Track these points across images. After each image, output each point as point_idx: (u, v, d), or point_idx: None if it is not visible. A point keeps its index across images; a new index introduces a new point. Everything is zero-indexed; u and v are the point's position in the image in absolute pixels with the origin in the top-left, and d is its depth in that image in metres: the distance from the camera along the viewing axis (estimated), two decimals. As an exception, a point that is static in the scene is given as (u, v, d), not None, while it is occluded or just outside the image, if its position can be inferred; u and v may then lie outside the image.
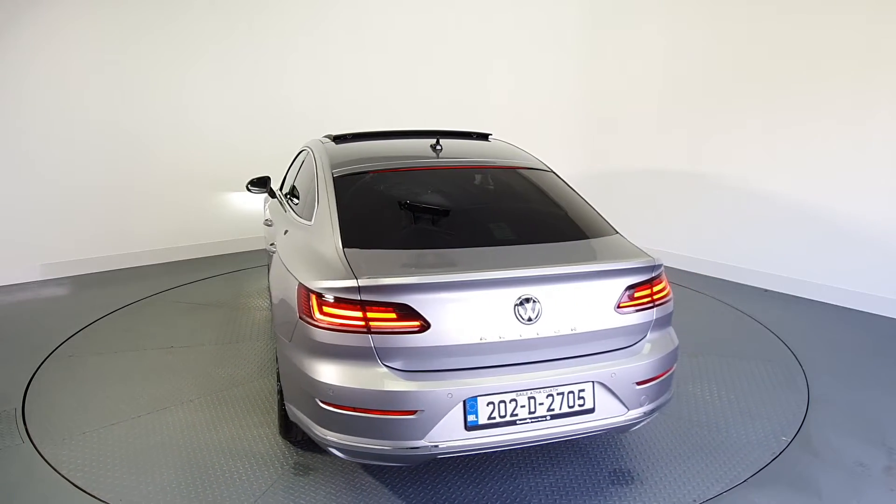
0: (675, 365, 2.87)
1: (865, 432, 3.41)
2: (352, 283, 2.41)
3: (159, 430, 3.37)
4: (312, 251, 2.83)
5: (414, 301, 2.41)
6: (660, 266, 2.81)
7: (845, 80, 5.28)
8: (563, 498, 2.83)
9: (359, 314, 2.41)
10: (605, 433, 2.76)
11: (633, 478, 2.98)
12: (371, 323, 2.41)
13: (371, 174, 3.29)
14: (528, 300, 2.51)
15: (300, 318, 2.56)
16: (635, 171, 7.06)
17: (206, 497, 2.80)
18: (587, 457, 3.15)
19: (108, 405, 3.62)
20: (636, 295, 2.71)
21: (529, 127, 7.59)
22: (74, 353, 4.36)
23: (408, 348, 2.43)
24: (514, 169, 3.56)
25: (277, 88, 7.10)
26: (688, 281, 6.20)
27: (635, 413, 2.66)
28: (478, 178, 3.56)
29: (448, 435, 2.42)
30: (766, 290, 5.91)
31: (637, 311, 2.71)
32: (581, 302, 2.61)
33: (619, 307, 2.67)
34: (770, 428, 3.40)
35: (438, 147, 3.58)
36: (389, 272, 2.49)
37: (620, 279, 2.68)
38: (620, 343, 2.70)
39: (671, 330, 2.92)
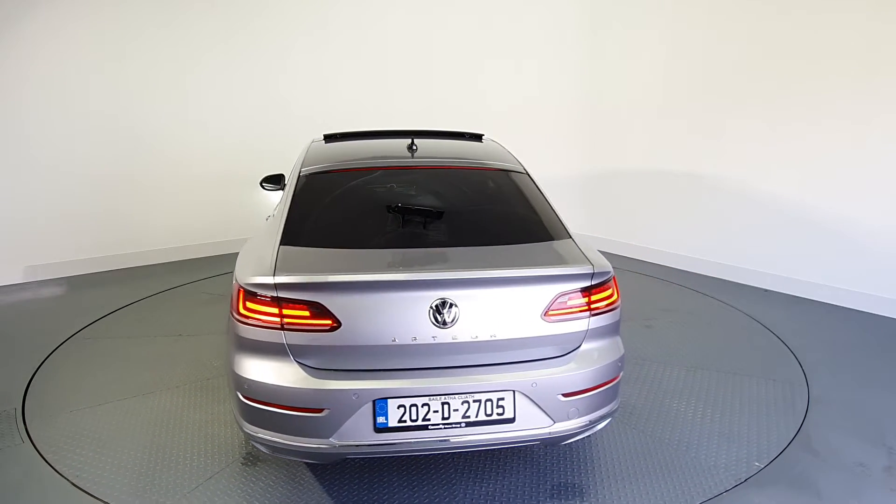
0: (618, 377, 2.74)
1: (865, 432, 3.41)
2: (268, 279, 2.44)
3: (138, 413, 3.54)
4: (257, 247, 2.85)
5: (326, 300, 2.42)
6: (603, 273, 2.67)
7: (846, 79, 5.28)
8: (496, 509, 2.76)
9: (275, 310, 2.44)
10: (542, 445, 2.75)
11: (576, 493, 2.87)
12: (285, 320, 2.44)
13: (335, 173, 3.28)
14: (444, 304, 2.45)
15: (229, 312, 2.63)
16: (635, 172, 7.06)
17: (153, 478, 2.95)
18: (534, 467, 3.05)
19: (99, 388, 3.80)
20: (569, 303, 2.59)
21: (529, 127, 7.59)
22: (92, 335, 4.64)
23: (319, 346, 2.44)
24: (483, 170, 3.44)
25: (278, 88, 7.10)
26: (688, 281, 6.20)
27: (563, 426, 2.57)
28: (444, 178, 3.46)
29: (356, 435, 2.42)
30: (766, 291, 5.91)
31: (568, 320, 2.59)
32: (503, 308, 2.53)
33: (546, 315, 2.56)
34: (745, 452, 3.19)
35: (414, 147, 3.56)
36: (308, 270, 2.50)
37: (550, 286, 2.56)
38: (549, 352, 2.60)
39: (616, 340, 2.78)
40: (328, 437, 2.42)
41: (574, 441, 2.92)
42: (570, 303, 2.60)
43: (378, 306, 2.45)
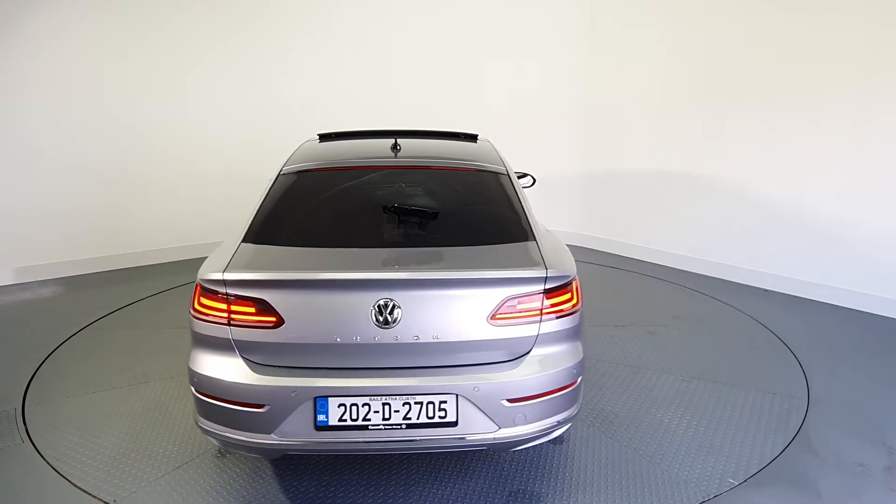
0: (574, 383, 2.66)
1: (865, 432, 3.41)
2: (218, 276, 2.50)
3: (129, 401, 3.67)
4: (225, 245, 2.91)
5: (271, 297, 2.46)
6: (559, 278, 2.58)
7: (846, 80, 5.27)
8: (449, 512, 2.75)
9: (224, 307, 2.50)
10: (491, 451, 2.71)
11: (531, 500, 2.82)
12: (232, 316, 2.49)
13: (313, 172, 3.32)
14: (387, 305, 2.45)
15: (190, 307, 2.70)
16: (635, 171, 7.06)
17: (126, 463, 3.07)
18: (496, 471, 3.02)
19: (97, 375, 3.95)
20: (518, 307, 2.53)
21: (530, 127, 7.59)
22: (92, 335, 4.70)
23: (263, 343, 2.48)
24: (461, 171, 3.41)
25: (279, 87, 7.10)
26: (688, 281, 6.20)
27: (509, 432, 2.51)
28: (420, 179, 3.47)
29: (297, 432, 2.44)
30: (766, 290, 5.91)
31: (517, 324, 2.53)
32: (447, 310, 2.50)
33: (493, 319, 2.51)
34: (721, 467, 3.06)
35: (397, 147, 3.58)
36: (258, 268, 2.55)
37: (497, 289, 2.51)
38: (496, 356, 2.54)
39: (574, 345, 2.69)
40: (270, 433, 2.45)
41: (528, 447, 2.88)
42: (519, 307, 2.53)
43: (321, 305, 2.48)
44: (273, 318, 2.46)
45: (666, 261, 6.76)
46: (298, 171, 3.31)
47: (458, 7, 7.53)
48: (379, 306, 2.45)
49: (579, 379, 2.69)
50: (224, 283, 2.50)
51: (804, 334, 4.82)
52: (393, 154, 3.52)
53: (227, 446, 2.65)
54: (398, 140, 3.70)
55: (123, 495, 2.83)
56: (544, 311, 2.56)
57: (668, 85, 6.64)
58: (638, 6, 6.80)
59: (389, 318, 2.45)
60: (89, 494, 2.81)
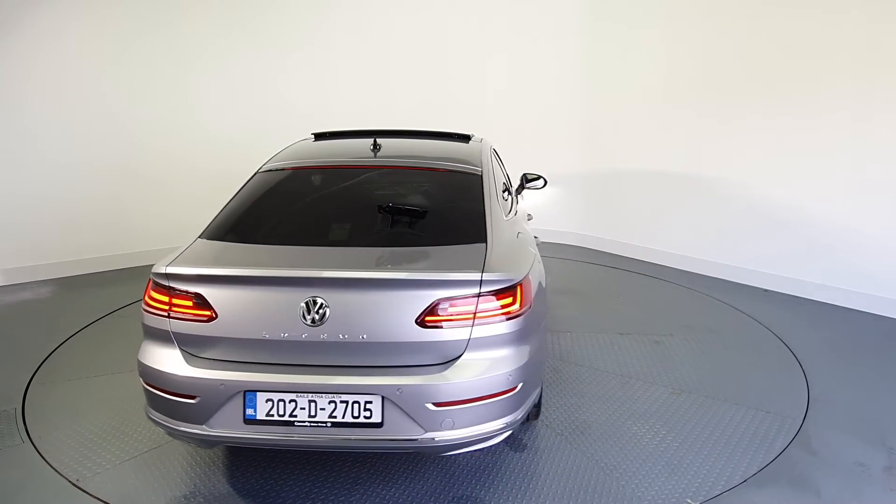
0: (511, 390, 2.57)
1: (865, 432, 3.41)
2: (162, 269, 2.60)
3: (121, 387, 3.77)
4: (189, 241, 2.98)
5: (206, 291, 2.53)
6: (497, 282, 2.52)
7: (846, 79, 5.27)
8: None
9: (166, 299, 2.59)
10: (428, 454, 2.69)
11: None
12: (172, 308, 2.58)
13: (287, 171, 3.44)
14: (315, 303, 2.46)
15: None
16: (635, 171, 7.06)
17: (99, 448, 3.18)
18: (445, 475, 2.98)
19: (97, 375, 4.00)
20: (449, 310, 2.49)
21: (529, 127, 7.60)
22: (93, 334, 4.73)
23: (197, 336, 2.54)
24: (433, 171, 3.46)
25: (279, 87, 7.10)
26: (688, 281, 6.20)
27: (436, 436, 2.46)
28: (390, 179, 3.51)
29: (227, 425, 2.49)
30: (766, 291, 5.91)
31: (447, 327, 2.49)
32: (375, 311, 2.49)
33: (422, 321, 2.48)
34: (682, 486, 2.90)
35: (377, 147, 3.64)
36: (200, 263, 2.64)
37: (427, 291, 2.48)
38: (425, 359, 2.51)
39: (516, 350, 2.60)
40: (202, 424, 2.51)
41: (468, 452, 2.87)
42: (451, 310, 2.49)
43: (252, 301, 2.53)
44: (208, 312, 2.53)
45: (666, 261, 6.76)
46: (272, 170, 3.44)
47: (459, 6, 7.53)
48: (307, 304, 2.47)
49: (519, 385, 2.60)
50: (167, 276, 2.59)
51: (804, 334, 4.82)
52: (372, 154, 3.57)
53: (172, 435, 2.71)
54: (382, 140, 3.76)
55: (87, 475, 2.95)
56: (478, 315, 2.51)
57: (668, 85, 6.64)
58: (638, 5, 6.80)
59: (317, 317, 2.46)
60: (89, 494, 2.81)
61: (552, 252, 7.17)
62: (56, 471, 2.98)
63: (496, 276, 2.52)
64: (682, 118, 6.52)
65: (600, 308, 5.38)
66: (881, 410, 3.66)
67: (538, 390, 2.97)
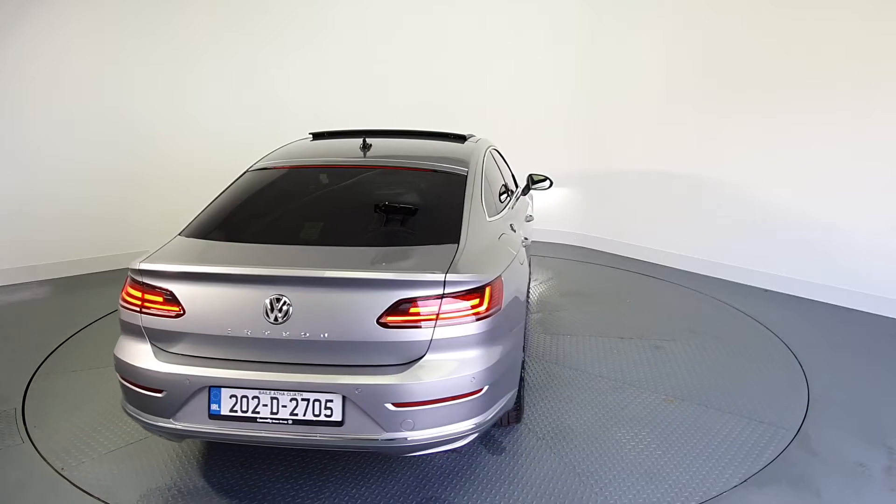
0: (476, 392, 2.55)
1: (865, 432, 3.41)
2: (136, 265, 2.66)
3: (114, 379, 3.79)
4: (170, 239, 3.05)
5: (175, 288, 2.58)
6: (461, 283, 2.49)
7: (846, 79, 5.28)
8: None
9: (139, 294, 2.66)
10: (384, 453, 2.68)
11: None
12: (144, 304, 2.64)
13: (274, 170, 3.51)
14: (278, 300, 2.48)
15: None
16: (635, 171, 7.06)
17: (89, 437, 3.27)
18: (417, 476, 2.96)
19: (97, 374, 4.00)
20: (411, 311, 2.47)
21: (529, 126, 7.59)
22: (93, 334, 4.75)
23: (166, 332, 2.59)
24: (418, 171, 3.47)
25: (278, 87, 7.11)
26: (688, 281, 6.20)
27: (396, 436, 2.46)
28: (374, 178, 3.51)
29: (193, 419, 2.53)
30: (765, 290, 5.91)
31: (408, 327, 2.47)
32: (337, 310, 2.50)
33: (383, 321, 2.46)
34: (658, 496, 2.83)
35: (367, 147, 3.67)
36: (172, 259, 2.68)
37: (389, 291, 2.47)
38: (386, 359, 2.49)
39: (482, 353, 2.58)
40: (169, 418, 2.56)
41: (428, 454, 2.86)
42: (412, 311, 2.47)
43: (218, 298, 2.56)
44: (176, 308, 2.57)
45: (665, 260, 6.76)
46: (258, 169, 3.51)
47: (459, 6, 7.53)
48: (271, 302, 2.48)
49: (485, 387, 2.58)
50: (141, 272, 2.65)
51: (804, 334, 4.82)
52: (361, 154, 3.59)
53: (145, 429, 2.75)
54: (375, 140, 3.79)
55: (73, 464, 3.05)
56: (441, 316, 2.48)
57: (669, 85, 6.64)
58: (638, 5, 6.80)
59: (280, 315, 2.47)
60: (89, 494, 2.81)
61: (553, 252, 7.19)
62: (56, 471, 2.98)
63: (461, 278, 2.51)
64: (682, 118, 6.52)
65: (605, 311, 5.33)
66: (881, 410, 3.67)
67: (512, 393, 2.91)
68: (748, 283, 6.06)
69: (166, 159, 6.57)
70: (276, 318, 2.47)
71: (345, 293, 2.50)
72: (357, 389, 2.43)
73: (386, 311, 2.46)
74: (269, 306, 2.48)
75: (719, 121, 6.20)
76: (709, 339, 4.65)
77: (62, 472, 2.96)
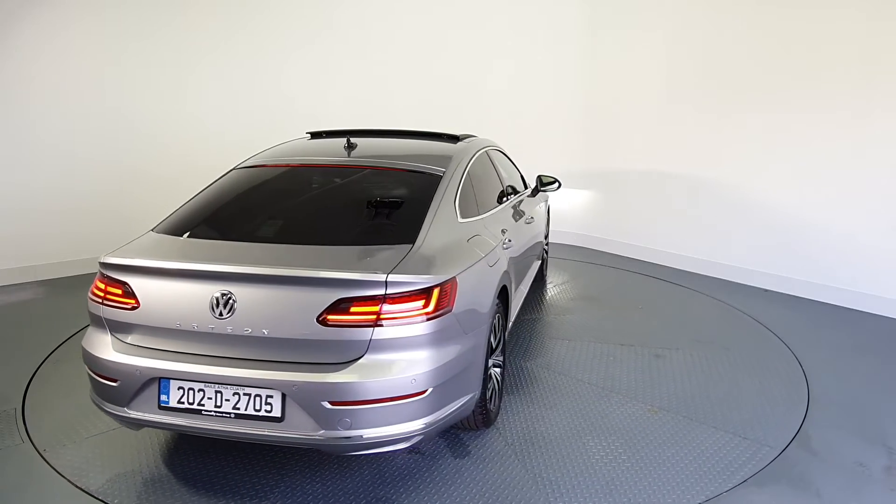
0: (418, 394, 2.53)
1: (865, 432, 3.41)
2: (101, 259, 2.77)
3: None
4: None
5: (132, 281, 2.68)
6: (404, 283, 2.49)
7: (847, 79, 5.28)
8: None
9: (103, 287, 2.77)
10: (325, 451, 2.68)
11: None
12: (106, 296, 2.74)
13: (258, 168, 3.60)
14: (224, 296, 2.53)
15: None
16: (635, 171, 7.06)
17: (76, 424, 3.37)
18: (373, 475, 2.95)
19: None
20: (352, 310, 2.47)
21: (530, 126, 7.60)
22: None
23: (123, 323, 2.70)
24: (395, 171, 3.48)
25: (279, 87, 7.11)
26: (688, 281, 6.20)
27: (333, 435, 2.46)
28: (352, 178, 3.53)
29: (144, 409, 2.63)
30: (766, 290, 5.91)
31: (348, 326, 2.47)
32: (280, 307, 2.52)
33: (323, 319, 2.47)
34: None
35: (350, 146, 3.71)
36: (133, 254, 2.76)
37: (330, 290, 2.47)
38: (325, 357, 2.49)
39: (427, 354, 2.56)
40: (124, 407, 2.66)
41: (374, 454, 2.89)
42: (353, 310, 2.47)
43: (169, 292, 2.64)
44: (132, 301, 2.67)
45: (666, 260, 6.77)
46: (242, 167, 3.63)
47: (459, 6, 7.53)
48: (217, 297, 2.53)
49: (429, 389, 2.56)
50: (104, 265, 2.76)
51: (804, 334, 4.82)
52: (346, 154, 3.63)
53: (111, 417, 2.83)
54: (363, 140, 3.86)
55: (56, 447, 3.16)
56: (382, 316, 2.48)
57: (669, 85, 6.65)
58: (638, 6, 6.80)
59: (224, 310, 2.52)
60: (89, 494, 2.81)
61: (554, 252, 7.17)
62: (56, 471, 2.98)
63: (405, 279, 2.50)
64: (682, 118, 6.53)
65: (611, 315, 5.20)
66: (881, 410, 3.67)
67: (470, 397, 2.88)
68: (748, 283, 6.06)
69: (167, 159, 6.57)
70: (220, 314, 2.52)
71: (287, 291, 2.53)
72: (294, 386, 2.46)
73: (326, 309, 2.47)
74: (214, 301, 2.53)
75: (719, 121, 6.20)
76: (713, 349, 4.49)
77: (43, 455, 3.08)
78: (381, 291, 2.48)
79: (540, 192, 5.20)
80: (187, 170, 6.67)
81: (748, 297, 5.68)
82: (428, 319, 2.55)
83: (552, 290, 5.93)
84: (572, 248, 7.56)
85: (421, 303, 2.54)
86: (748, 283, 6.06)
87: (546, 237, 5.93)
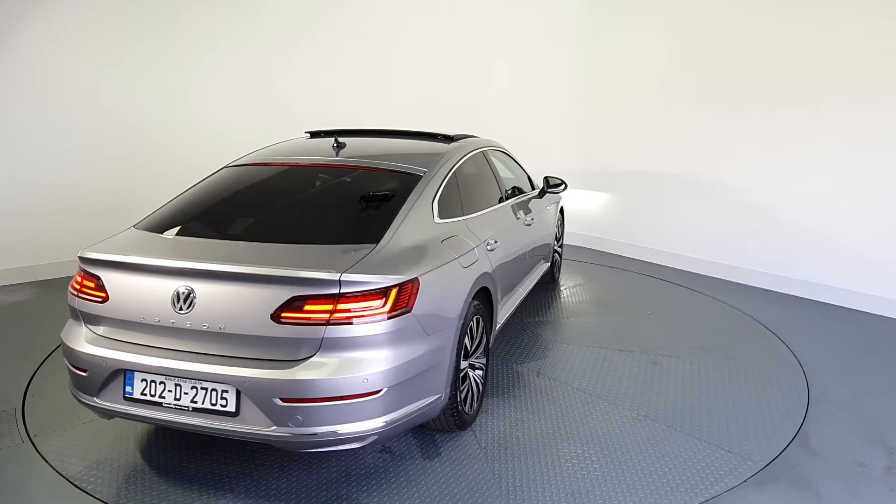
0: (371, 393, 2.54)
1: (865, 432, 3.41)
2: (79, 254, 2.86)
3: None
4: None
5: (103, 275, 2.78)
6: (358, 283, 2.50)
7: (847, 78, 5.28)
8: (265, 500, 2.78)
9: (80, 280, 2.88)
10: (281, 447, 2.68)
11: None
12: (81, 289, 2.84)
13: (246, 167, 3.67)
14: (184, 291, 2.60)
15: None
16: (635, 171, 7.06)
17: (70, 413, 3.46)
18: (338, 472, 2.95)
19: None
20: (305, 308, 2.49)
21: (530, 127, 7.60)
22: None
23: (94, 315, 2.79)
24: (375, 171, 3.50)
25: (280, 86, 7.11)
26: (689, 281, 6.20)
27: (285, 432, 2.48)
28: (330, 178, 3.56)
29: (111, 399, 2.72)
30: (766, 290, 5.91)
31: (301, 324, 2.48)
32: (235, 303, 2.55)
33: (277, 316, 2.49)
34: None
35: (338, 146, 3.75)
36: (108, 249, 2.83)
37: (283, 288, 2.49)
38: (279, 354, 2.52)
39: (381, 354, 2.56)
40: (93, 396, 2.76)
41: (330, 451, 2.90)
42: (306, 308, 2.49)
43: (134, 286, 2.72)
44: (103, 294, 2.76)
45: (666, 261, 6.77)
46: (232, 166, 3.71)
47: (459, 7, 7.54)
48: (178, 292, 2.60)
49: (383, 389, 2.56)
50: (81, 259, 2.86)
51: (804, 334, 4.82)
52: (334, 153, 3.67)
53: (84, 406, 2.90)
54: (353, 140, 3.92)
55: (45, 434, 3.28)
56: (335, 315, 2.49)
57: (669, 85, 6.65)
58: (639, 6, 6.80)
59: (184, 305, 2.59)
60: (89, 494, 2.81)
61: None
62: (56, 471, 2.98)
63: (360, 278, 2.51)
64: (682, 118, 6.53)
65: (616, 320, 5.07)
66: (881, 410, 3.67)
67: (435, 399, 2.87)
68: (748, 283, 6.06)
69: (167, 159, 6.56)
70: (180, 308, 2.59)
71: (244, 287, 2.56)
72: (247, 382, 2.49)
73: (280, 307, 2.50)
74: (175, 296, 2.60)
75: (720, 120, 6.21)
76: (712, 356, 4.37)
77: (33, 440, 3.19)
78: (335, 290, 2.49)
79: (547, 194, 5.18)
80: (187, 169, 6.68)
81: (749, 298, 5.68)
82: (389, 319, 2.57)
83: (564, 292, 5.88)
84: (572, 248, 7.56)
85: (378, 303, 2.55)
86: (749, 284, 6.06)
87: (558, 239, 5.91)
